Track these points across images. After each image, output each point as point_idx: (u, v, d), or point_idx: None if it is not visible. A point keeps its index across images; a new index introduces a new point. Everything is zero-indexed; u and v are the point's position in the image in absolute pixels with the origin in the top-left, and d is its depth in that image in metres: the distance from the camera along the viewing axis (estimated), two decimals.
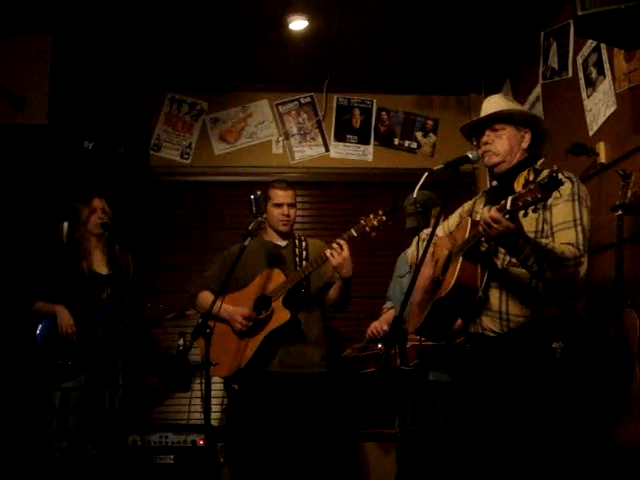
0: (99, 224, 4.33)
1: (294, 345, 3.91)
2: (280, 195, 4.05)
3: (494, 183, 3.08)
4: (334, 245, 3.73)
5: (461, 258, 2.79)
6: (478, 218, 2.90)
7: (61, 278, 4.28)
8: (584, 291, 2.95)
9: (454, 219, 3.19)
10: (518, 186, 2.87)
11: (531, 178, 2.65)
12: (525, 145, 3.02)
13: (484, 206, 3.05)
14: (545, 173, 2.79)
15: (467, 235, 2.83)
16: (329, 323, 4.46)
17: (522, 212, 2.44)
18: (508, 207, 2.47)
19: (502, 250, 2.85)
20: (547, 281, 2.73)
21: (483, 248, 2.85)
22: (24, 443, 4.27)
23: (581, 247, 2.78)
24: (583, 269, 2.80)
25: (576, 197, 2.85)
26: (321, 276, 4.03)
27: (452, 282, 2.77)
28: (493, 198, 2.98)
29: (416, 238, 3.35)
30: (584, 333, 3.07)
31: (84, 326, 4.19)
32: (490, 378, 2.87)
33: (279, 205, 4.03)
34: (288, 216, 4.06)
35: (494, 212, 2.52)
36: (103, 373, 4.15)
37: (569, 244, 2.77)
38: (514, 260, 2.81)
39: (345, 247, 3.71)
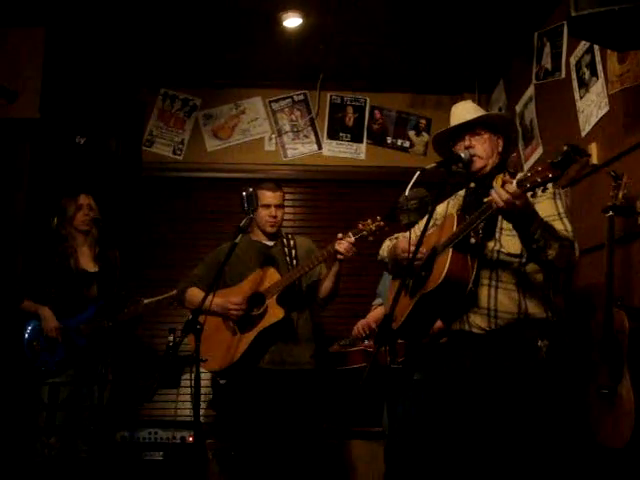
0: (86, 221, 4.31)
1: (285, 343, 3.92)
2: (268, 196, 4.04)
3: (472, 185, 3.10)
4: (340, 240, 3.74)
5: (451, 250, 2.80)
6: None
7: (48, 275, 4.26)
8: (563, 289, 2.98)
9: (424, 222, 3.18)
10: (497, 186, 2.92)
11: (507, 177, 2.75)
12: (500, 149, 3.08)
13: (460, 208, 3.08)
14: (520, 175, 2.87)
15: (455, 228, 2.85)
16: (318, 320, 4.47)
17: (530, 193, 2.47)
18: (514, 187, 2.49)
19: (490, 245, 2.88)
20: (549, 257, 2.74)
21: (472, 241, 2.87)
22: (12, 438, 4.26)
23: (572, 234, 2.84)
24: (577, 252, 2.84)
25: (557, 196, 2.94)
26: (310, 274, 4.04)
27: (443, 274, 2.77)
28: (473, 200, 3.02)
29: (389, 237, 3.39)
30: (569, 332, 3.09)
31: (70, 324, 4.18)
32: (476, 376, 2.87)
33: (267, 206, 4.02)
34: (275, 217, 4.05)
35: (512, 187, 2.53)
36: (92, 368, 4.14)
37: (561, 230, 2.81)
38: (502, 256, 2.85)
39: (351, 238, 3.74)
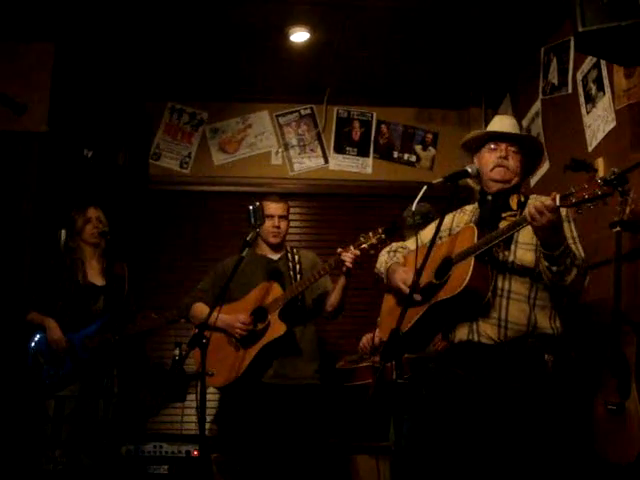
0: (95, 234, 4.32)
1: (289, 358, 3.91)
2: (271, 207, 4.06)
3: (489, 198, 3.09)
4: (342, 252, 3.74)
5: (473, 259, 2.79)
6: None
7: (56, 288, 4.26)
8: (570, 304, 2.98)
9: (428, 233, 3.17)
10: (513, 204, 2.99)
11: (522, 199, 2.92)
12: (521, 174, 3.07)
13: (476, 219, 3.07)
14: (534, 196, 3.00)
15: (476, 240, 2.84)
16: (323, 335, 4.46)
17: (575, 208, 2.50)
18: (558, 202, 2.51)
19: (505, 256, 2.88)
20: (566, 283, 2.74)
21: (494, 253, 2.88)
22: (17, 452, 4.25)
23: (585, 262, 2.83)
24: (587, 281, 2.84)
25: (570, 219, 2.93)
26: (315, 288, 4.03)
27: (464, 282, 2.76)
28: (490, 213, 3.02)
29: (386, 248, 3.37)
30: (575, 347, 3.08)
31: (75, 338, 4.18)
32: (483, 390, 2.86)
33: (270, 217, 4.03)
34: (279, 227, 4.07)
35: (550, 201, 2.54)
36: (98, 382, 4.14)
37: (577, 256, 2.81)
38: (516, 267, 2.86)
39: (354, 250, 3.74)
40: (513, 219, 2.86)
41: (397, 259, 3.24)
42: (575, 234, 2.90)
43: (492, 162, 3.02)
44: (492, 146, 3.05)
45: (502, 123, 3.14)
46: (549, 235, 2.65)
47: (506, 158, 3.01)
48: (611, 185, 2.39)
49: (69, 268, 4.29)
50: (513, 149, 3.03)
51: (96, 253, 4.39)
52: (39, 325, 4.21)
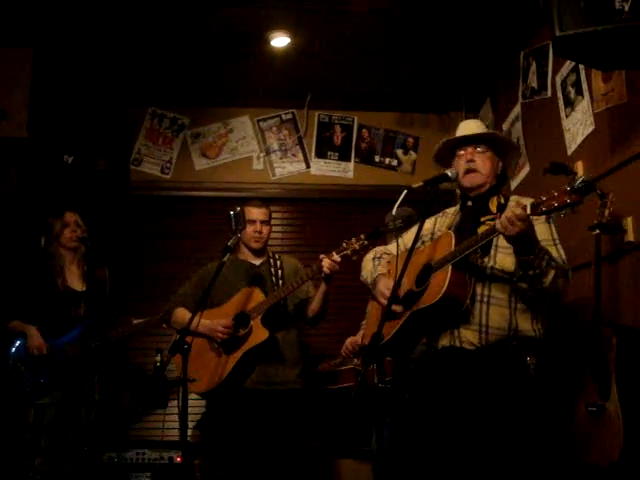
0: (74, 237, 4.30)
1: (271, 363, 3.90)
2: (253, 212, 4.05)
3: (469, 203, 3.10)
4: (323, 259, 3.74)
5: (450, 267, 2.80)
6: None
7: (35, 295, 4.23)
8: (551, 306, 2.99)
9: (411, 236, 3.17)
10: (493, 207, 2.99)
11: (502, 201, 2.92)
12: (498, 172, 3.09)
13: (456, 224, 3.08)
14: (515, 197, 2.99)
15: (453, 247, 2.84)
16: (305, 340, 4.45)
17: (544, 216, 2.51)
18: (528, 211, 2.51)
19: (484, 262, 2.88)
20: (544, 285, 2.74)
21: (471, 260, 2.88)
22: None
23: (566, 262, 2.84)
24: (569, 282, 2.84)
25: (551, 220, 2.93)
26: (297, 294, 4.04)
27: (442, 291, 2.77)
28: (469, 218, 3.03)
29: (370, 254, 3.37)
30: (556, 349, 3.09)
31: (56, 344, 4.15)
32: (465, 393, 2.86)
33: (252, 222, 4.02)
34: (261, 232, 4.06)
35: (519, 209, 2.54)
36: (79, 389, 4.11)
37: (557, 257, 2.82)
38: (496, 272, 2.86)
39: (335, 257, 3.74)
40: (492, 223, 2.87)
41: (382, 267, 3.23)
42: (555, 235, 2.90)
43: (462, 168, 3.03)
44: (460, 152, 3.07)
45: (466, 127, 3.14)
46: (522, 242, 2.66)
47: (473, 161, 3.02)
48: (579, 194, 2.40)
49: (48, 274, 4.26)
50: (480, 149, 3.04)
51: (75, 258, 4.36)
52: (21, 333, 4.17)
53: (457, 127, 3.20)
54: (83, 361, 4.14)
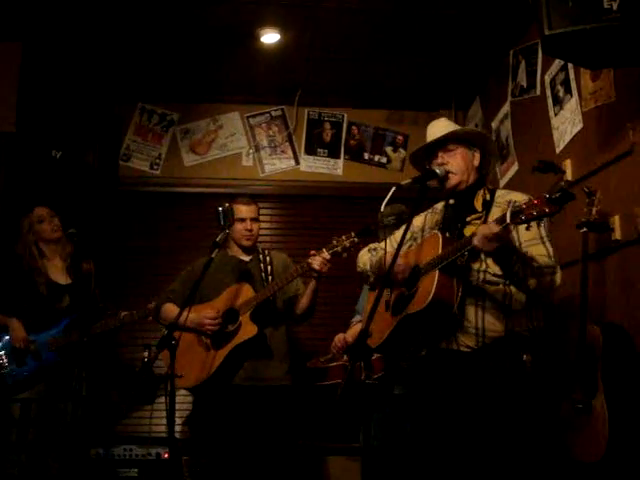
0: (55, 228, 4.25)
1: (259, 359, 3.90)
2: (243, 210, 4.03)
3: (451, 201, 3.11)
4: (313, 256, 3.74)
5: (437, 272, 2.80)
6: (428, 235, 3.05)
7: (18, 289, 4.19)
8: (543, 304, 3.00)
9: (400, 233, 3.17)
10: (478, 204, 3.00)
11: (487, 197, 2.93)
12: (476, 164, 3.09)
13: (441, 224, 3.09)
14: (501, 192, 3.02)
15: (440, 251, 2.84)
16: (294, 336, 4.45)
17: (525, 225, 2.49)
18: (508, 220, 2.50)
19: (475, 266, 2.89)
20: (529, 288, 2.78)
21: (458, 263, 2.87)
22: None
23: (553, 258, 2.85)
24: (558, 278, 2.86)
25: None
26: (286, 290, 4.03)
27: (429, 297, 2.78)
28: (454, 216, 3.05)
29: (365, 249, 3.37)
30: (549, 345, 3.11)
31: (40, 338, 4.13)
32: (463, 392, 2.87)
33: (242, 220, 4.01)
34: (251, 230, 4.05)
35: (496, 227, 2.56)
36: (65, 384, 4.09)
37: (542, 255, 2.83)
38: (488, 276, 2.87)
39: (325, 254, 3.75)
40: (479, 222, 2.88)
41: (379, 256, 3.22)
42: (543, 233, 2.90)
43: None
44: (434, 157, 3.07)
45: (433, 130, 3.13)
46: (499, 254, 2.69)
47: (444, 164, 3.02)
48: (557, 204, 2.41)
49: (27, 273, 4.21)
50: (450, 147, 3.04)
51: (58, 251, 4.33)
52: (3, 326, 4.15)
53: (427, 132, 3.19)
54: (69, 355, 4.12)
